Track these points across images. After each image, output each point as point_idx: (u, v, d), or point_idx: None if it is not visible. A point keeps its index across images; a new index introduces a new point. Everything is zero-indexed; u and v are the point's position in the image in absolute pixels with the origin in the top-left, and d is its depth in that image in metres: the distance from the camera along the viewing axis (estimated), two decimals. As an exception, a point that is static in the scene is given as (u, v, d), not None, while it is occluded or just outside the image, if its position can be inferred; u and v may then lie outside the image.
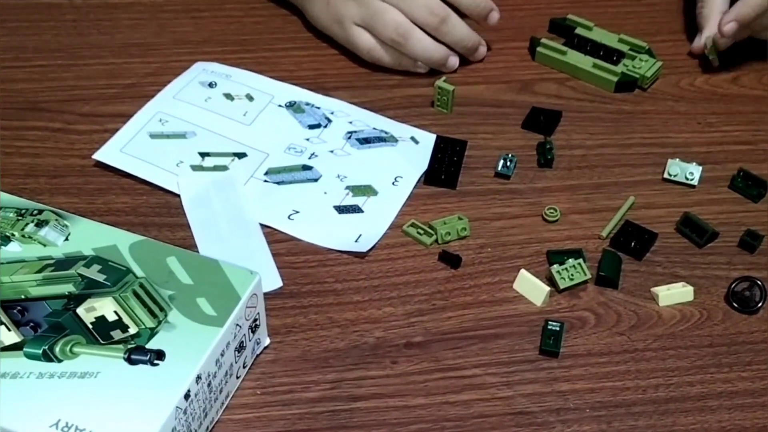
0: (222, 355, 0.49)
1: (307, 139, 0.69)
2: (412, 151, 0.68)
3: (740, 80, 0.76)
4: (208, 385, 0.48)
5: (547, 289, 0.58)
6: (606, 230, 0.63)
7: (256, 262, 0.59)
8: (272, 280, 0.59)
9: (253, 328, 0.52)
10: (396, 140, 0.69)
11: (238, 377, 0.53)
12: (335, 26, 0.75)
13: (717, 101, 0.74)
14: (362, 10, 0.72)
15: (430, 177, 0.66)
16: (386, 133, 0.70)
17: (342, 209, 0.64)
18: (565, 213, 0.64)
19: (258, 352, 0.55)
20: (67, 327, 0.48)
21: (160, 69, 0.75)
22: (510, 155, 0.67)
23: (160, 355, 0.47)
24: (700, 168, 0.67)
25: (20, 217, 0.54)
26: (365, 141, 0.69)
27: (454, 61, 0.75)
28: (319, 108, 0.72)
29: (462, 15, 0.74)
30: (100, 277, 0.50)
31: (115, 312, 0.49)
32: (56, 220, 0.54)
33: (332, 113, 0.71)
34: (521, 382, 0.54)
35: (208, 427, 0.50)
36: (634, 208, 0.65)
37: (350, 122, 0.70)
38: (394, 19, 0.71)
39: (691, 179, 0.66)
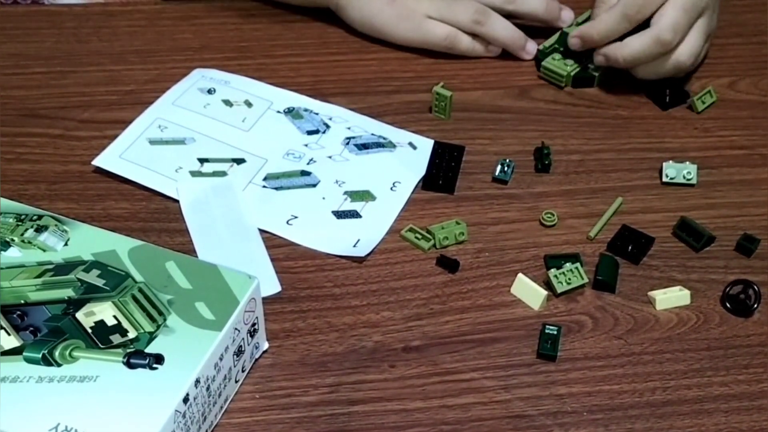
0: (221, 359, 0.49)
1: (306, 145, 0.69)
2: (410, 156, 0.69)
3: (737, 85, 0.77)
4: (207, 389, 0.48)
5: (545, 293, 0.58)
6: (593, 231, 0.63)
7: (254, 266, 0.59)
8: (271, 285, 0.59)
9: (252, 333, 0.52)
10: (394, 146, 0.69)
11: (236, 381, 0.53)
12: (403, 23, 0.77)
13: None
14: (436, 2, 0.76)
15: (428, 182, 0.67)
16: (384, 138, 0.70)
17: (340, 214, 0.64)
18: (563, 218, 0.64)
19: (257, 357, 0.55)
20: (67, 331, 0.48)
21: (159, 76, 0.75)
22: (508, 160, 0.67)
23: (159, 359, 0.47)
24: (695, 166, 0.67)
25: (20, 223, 0.54)
26: (363, 146, 0.69)
27: (531, 47, 0.78)
28: (317, 114, 0.72)
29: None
30: (100, 282, 0.51)
31: (115, 316, 0.49)
32: (56, 225, 0.54)
33: (330, 119, 0.71)
34: (519, 386, 0.54)
35: (207, 431, 0.50)
36: (631, 212, 0.65)
37: (348, 128, 0.71)
38: (471, 3, 0.76)
39: (690, 178, 0.67)
